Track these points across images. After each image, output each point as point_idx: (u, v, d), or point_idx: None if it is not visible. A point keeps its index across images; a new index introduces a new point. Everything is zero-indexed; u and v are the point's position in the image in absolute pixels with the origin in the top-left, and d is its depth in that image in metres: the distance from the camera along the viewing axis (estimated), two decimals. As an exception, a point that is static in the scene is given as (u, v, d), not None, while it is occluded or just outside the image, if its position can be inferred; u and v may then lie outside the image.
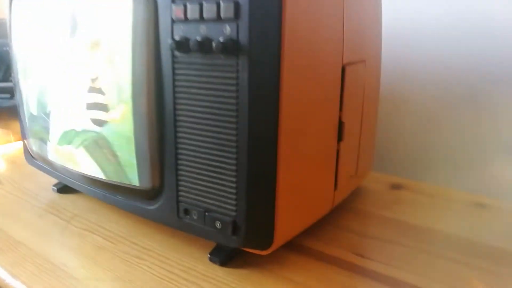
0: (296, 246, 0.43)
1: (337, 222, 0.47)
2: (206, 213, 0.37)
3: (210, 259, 0.40)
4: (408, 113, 0.65)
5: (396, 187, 0.57)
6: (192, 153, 0.37)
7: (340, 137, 0.43)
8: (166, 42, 0.35)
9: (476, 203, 0.52)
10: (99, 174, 0.44)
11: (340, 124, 0.42)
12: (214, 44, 0.31)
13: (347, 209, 0.51)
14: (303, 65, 0.35)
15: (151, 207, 0.41)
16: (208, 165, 0.36)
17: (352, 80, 0.43)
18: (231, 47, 0.31)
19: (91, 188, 0.47)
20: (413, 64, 0.64)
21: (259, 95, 0.32)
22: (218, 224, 0.36)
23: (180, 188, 0.38)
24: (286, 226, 0.38)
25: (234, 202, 0.35)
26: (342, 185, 0.46)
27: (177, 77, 0.36)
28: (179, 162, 0.38)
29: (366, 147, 0.51)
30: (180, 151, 0.37)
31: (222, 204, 0.36)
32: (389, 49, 0.64)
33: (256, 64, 0.32)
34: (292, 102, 0.35)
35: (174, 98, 0.36)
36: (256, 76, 0.32)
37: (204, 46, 0.32)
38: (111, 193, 0.45)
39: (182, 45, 0.34)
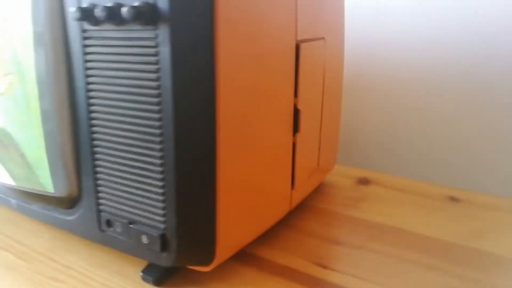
0: (246, 257, 0.36)
1: (296, 225, 0.41)
2: (131, 225, 0.30)
3: (143, 278, 0.33)
4: (376, 100, 0.60)
5: (363, 181, 0.51)
6: (110, 152, 0.29)
7: (296, 128, 0.36)
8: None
9: (449, 197, 0.47)
10: (8, 180, 0.36)
11: (296, 113, 0.36)
12: (124, 10, 0.24)
13: (308, 209, 0.45)
14: (244, 39, 0.28)
15: (70, 218, 0.34)
16: (130, 166, 0.29)
17: (308, 60, 0.36)
18: (147, 14, 0.24)
19: (2, 196, 0.39)
20: (382, 46, 0.58)
21: (186, 75, 0.26)
22: (144, 239, 0.29)
23: (100, 195, 0.31)
24: (231, 236, 0.31)
25: (161, 212, 0.28)
26: (301, 183, 0.40)
27: (88, 57, 0.28)
28: (97, 163, 0.30)
29: (328, 138, 0.45)
30: (96, 149, 0.30)
31: (148, 215, 0.29)
32: (354, 28, 0.58)
33: (181, 35, 0.25)
34: (232, 85, 0.28)
35: (86, 83, 0.29)
36: (182, 51, 0.25)
37: (114, 13, 0.25)
38: (25, 201, 0.38)
39: (88, 14, 0.26)
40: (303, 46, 0.35)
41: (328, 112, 0.43)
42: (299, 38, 0.35)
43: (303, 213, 0.44)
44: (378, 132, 0.61)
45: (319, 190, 0.49)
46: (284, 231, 0.40)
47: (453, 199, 0.46)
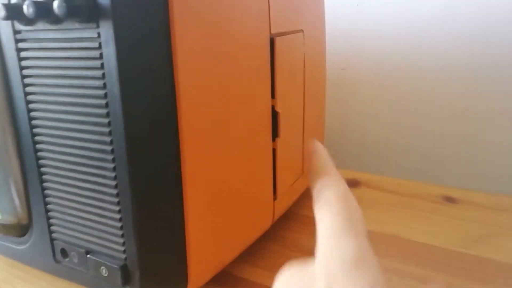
0: (227, 279, 0.32)
1: (281, 237, 0.38)
2: (88, 255, 0.26)
3: (109, 312, 0.29)
4: (363, 97, 0.57)
5: (353, 184, 0.48)
6: (59, 172, 0.25)
7: (275, 133, 0.33)
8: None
9: (445, 197, 0.44)
10: (-50, 205, 0.32)
11: (275, 116, 0.32)
12: (55, 5, 0.20)
13: (294, 218, 0.41)
14: (207, 32, 0.24)
15: (21, 247, 0.30)
16: (82, 188, 0.25)
17: (285, 55, 0.33)
18: (84, 9, 0.20)
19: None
20: (368, 36, 0.54)
21: (138, 80, 0.22)
22: (104, 271, 0.25)
23: (52, 221, 0.27)
24: (206, 259, 0.28)
25: (120, 240, 0.24)
26: (284, 191, 0.36)
27: (24, 63, 0.24)
28: (45, 185, 0.26)
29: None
30: (43, 169, 0.26)
31: (106, 243, 0.25)
32: (336, 18, 0.55)
33: (128, 32, 0.21)
34: (195, 88, 0.24)
35: (25, 95, 0.25)
36: (130, 52, 0.21)
37: (47, 10, 0.21)
38: (-27, 228, 0.33)
39: (17, 12, 0.22)
40: (278, 40, 0.31)
41: (311, 112, 0.39)
42: (273, 31, 0.31)
43: (288, 223, 0.40)
44: (365, 131, 0.57)
45: (305, 196, 0.45)
46: (268, 245, 0.36)
47: (449, 199, 0.43)
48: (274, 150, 0.33)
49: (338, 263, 0.17)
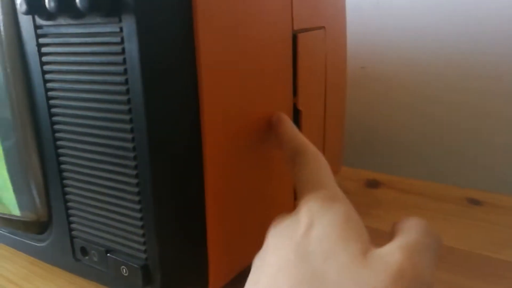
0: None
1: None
2: (108, 254, 0.25)
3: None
4: (384, 94, 0.55)
5: (373, 185, 0.47)
6: (79, 170, 0.25)
7: (297, 131, 0.32)
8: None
9: (469, 199, 0.43)
10: (-29, 202, 0.32)
11: (296, 114, 0.32)
12: (78, -1, 0.20)
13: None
14: (230, 29, 0.24)
15: (41, 244, 0.30)
16: (102, 186, 0.24)
17: (308, 52, 0.32)
18: (106, 2, 0.20)
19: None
20: (389, 33, 0.53)
21: (161, 77, 0.21)
22: (124, 270, 0.25)
23: (72, 219, 0.27)
24: (227, 260, 0.27)
25: (141, 239, 0.24)
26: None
27: (45, 58, 0.24)
28: (65, 182, 0.26)
29: (333, 139, 0.40)
30: (64, 166, 0.26)
31: (127, 242, 0.24)
32: (352, 17, 0.54)
33: (151, 27, 0.20)
34: (219, 86, 0.24)
35: (46, 91, 0.24)
36: (153, 47, 0.21)
37: (68, 4, 0.21)
38: (-7, 225, 0.33)
39: (38, 6, 0.22)
40: (301, 36, 0.30)
41: (331, 110, 0.38)
42: (296, 27, 0.30)
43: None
44: (387, 130, 0.56)
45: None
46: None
47: (473, 201, 0.42)
48: (295, 149, 0.32)
49: (318, 201, 0.21)
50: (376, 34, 0.54)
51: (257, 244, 0.30)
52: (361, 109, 0.57)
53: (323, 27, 0.35)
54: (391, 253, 0.17)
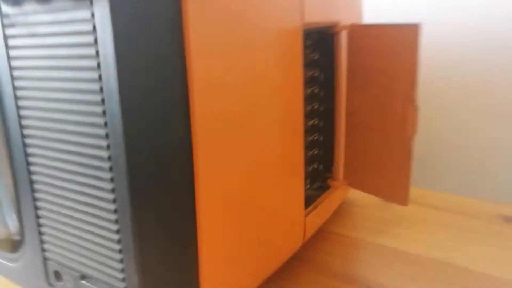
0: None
1: (310, 260, 0.33)
2: (83, 281, 0.22)
3: None
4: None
5: (392, 198, 0.42)
6: (51, 182, 0.21)
7: (307, 138, 0.28)
8: (-12, -9, 0.20)
9: (504, 217, 0.38)
10: None
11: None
12: (40, -23, 0.16)
13: (325, 236, 0.36)
14: (227, 17, 0.20)
15: (14, 265, 0.26)
16: (76, 201, 0.21)
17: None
18: (74, -18, 0.16)
19: None
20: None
21: (139, 70, 0.18)
22: (100, 301, 0.21)
23: (45, 238, 0.23)
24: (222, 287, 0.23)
25: (119, 266, 0.20)
26: (317, 203, 0.31)
27: (13, 52, 0.21)
28: (36, 196, 0.23)
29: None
30: (34, 177, 0.22)
31: (103, 268, 0.21)
32: (367, 13, 0.50)
33: (129, 12, 0.17)
34: (212, 82, 0.20)
35: (14, 89, 0.21)
36: (131, 37, 0.17)
37: (31, -15, 0.17)
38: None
39: (1, -10, 0.18)
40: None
41: (347, 115, 0.34)
42: (307, 20, 0.26)
43: (318, 243, 0.35)
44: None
45: (339, 212, 0.40)
46: (296, 268, 0.32)
47: (509, 219, 0.37)
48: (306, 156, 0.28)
49: None
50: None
51: (258, 270, 0.26)
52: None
53: (337, 23, 0.31)
54: None
